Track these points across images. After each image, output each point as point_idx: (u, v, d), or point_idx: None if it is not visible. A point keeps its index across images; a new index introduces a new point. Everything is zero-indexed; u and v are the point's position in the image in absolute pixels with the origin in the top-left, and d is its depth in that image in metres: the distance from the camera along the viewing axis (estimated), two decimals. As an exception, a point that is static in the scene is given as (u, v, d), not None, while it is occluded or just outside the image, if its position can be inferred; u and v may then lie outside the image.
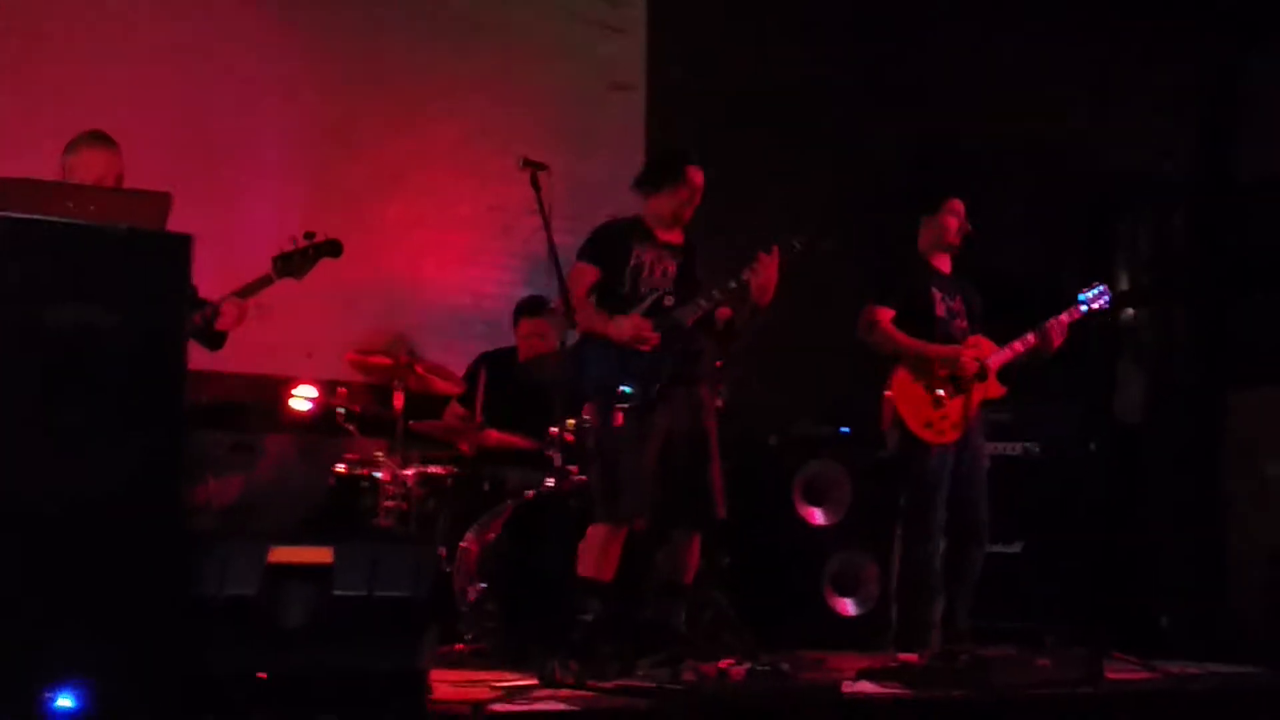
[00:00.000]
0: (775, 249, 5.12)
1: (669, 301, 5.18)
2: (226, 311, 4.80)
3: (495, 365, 6.42)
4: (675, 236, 5.35)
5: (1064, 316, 5.81)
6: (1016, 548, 6.50)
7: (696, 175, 5.30)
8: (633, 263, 5.23)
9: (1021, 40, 8.31)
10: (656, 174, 5.38)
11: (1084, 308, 5.87)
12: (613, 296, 5.19)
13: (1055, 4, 8.31)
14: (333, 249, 5.03)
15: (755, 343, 6.82)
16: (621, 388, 4.93)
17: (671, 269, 5.27)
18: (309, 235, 4.97)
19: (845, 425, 6.88)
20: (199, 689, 3.47)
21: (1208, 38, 8.60)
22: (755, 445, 6.87)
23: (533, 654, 4.66)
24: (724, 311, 5.24)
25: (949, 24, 8.18)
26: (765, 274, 5.09)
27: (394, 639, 3.71)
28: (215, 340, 4.90)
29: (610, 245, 5.26)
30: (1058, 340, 5.77)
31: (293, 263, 4.96)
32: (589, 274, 5.23)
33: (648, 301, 5.17)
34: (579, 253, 5.30)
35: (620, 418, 4.95)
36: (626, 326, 5.07)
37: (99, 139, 4.84)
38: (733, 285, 5.12)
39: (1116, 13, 8.35)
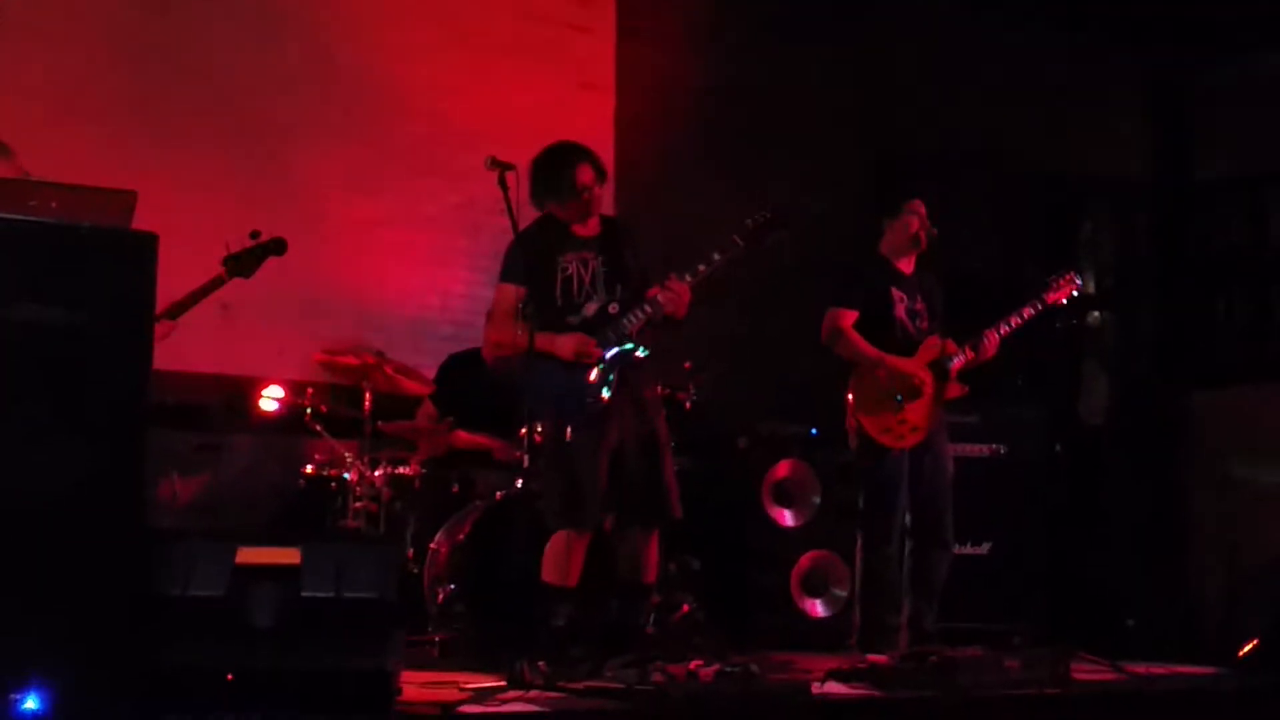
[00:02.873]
0: (681, 279, 5.00)
1: (614, 309, 5.05)
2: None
3: (464, 366, 6.39)
4: (592, 228, 5.21)
5: (1001, 327, 5.76)
6: (984, 549, 6.52)
7: (584, 174, 5.10)
8: (560, 276, 5.09)
9: (984, 44, 8.36)
10: (543, 189, 5.11)
11: (1051, 294, 5.85)
12: (548, 311, 5.01)
13: (1017, 9, 8.37)
14: (277, 247, 5.07)
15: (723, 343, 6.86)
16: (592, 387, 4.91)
17: (596, 265, 5.13)
18: (254, 234, 5.01)
19: (813, 426, 6.88)
20: (165, 689, 3.45)
21: (1166, 41, 8.68)
22: (723, 447, 6.87)
23: (502, 655, 4.64)
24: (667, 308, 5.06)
25: (913, 27, 8.21)
26: (677, 298, 4.98)
27: (362, 640, 3.69)
28: None
29: (532, 261, 5.02)
30: (991, 350, 5.76)
31: (241, 262, 4.99)
32: (510, 295, 5.03)
33: (591, 312, 5.06)
34: (501, 273, 5.13)
35: (570, 431, 4.92)
36: (570, 345, 4.98)
37: None
38: (647, 309, 5.01)
39: (1076, 18, 8.41)
